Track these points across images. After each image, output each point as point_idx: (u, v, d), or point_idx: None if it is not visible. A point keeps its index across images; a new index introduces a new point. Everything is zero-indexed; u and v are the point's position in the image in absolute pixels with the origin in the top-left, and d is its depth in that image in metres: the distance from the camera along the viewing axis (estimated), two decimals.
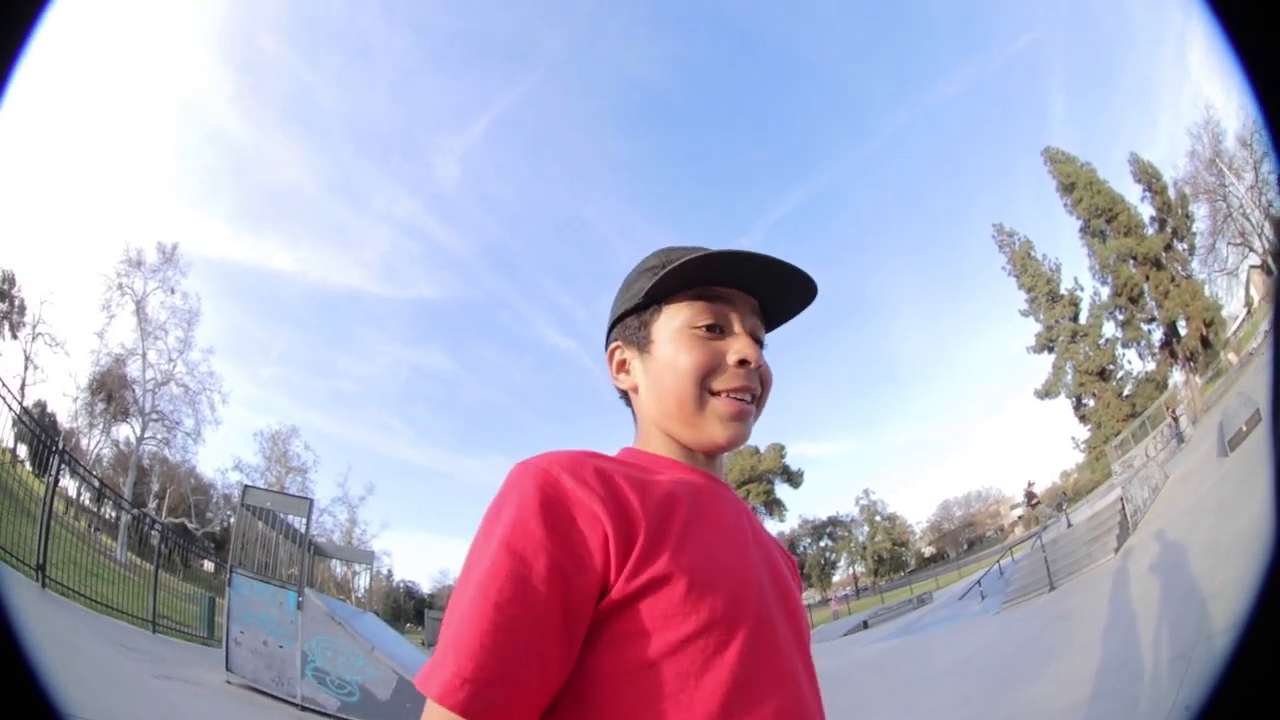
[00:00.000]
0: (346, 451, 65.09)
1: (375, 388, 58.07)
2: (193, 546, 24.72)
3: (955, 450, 64.90)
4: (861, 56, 61.61)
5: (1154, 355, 31.26)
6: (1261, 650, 0.51)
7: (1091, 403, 32.60)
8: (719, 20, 60.32)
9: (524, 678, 0.57)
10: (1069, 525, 16.72)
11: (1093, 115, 45.79)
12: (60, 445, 9.70)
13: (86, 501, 20.83)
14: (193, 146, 50.58)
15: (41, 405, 26.71)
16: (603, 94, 63.27)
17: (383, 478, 63.03)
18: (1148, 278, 30.44)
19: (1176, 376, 28.96)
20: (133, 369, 26.93)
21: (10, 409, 10.72)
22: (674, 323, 0.80)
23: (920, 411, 62.45)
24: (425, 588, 46.48)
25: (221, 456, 45.94)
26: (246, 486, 11.83)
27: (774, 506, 46.17)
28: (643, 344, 0.82)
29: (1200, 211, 28.19)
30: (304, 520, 9.86)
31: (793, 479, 46.89)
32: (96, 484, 16.77)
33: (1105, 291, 32.39)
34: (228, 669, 7.83)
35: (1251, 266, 25.74)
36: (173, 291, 27.65)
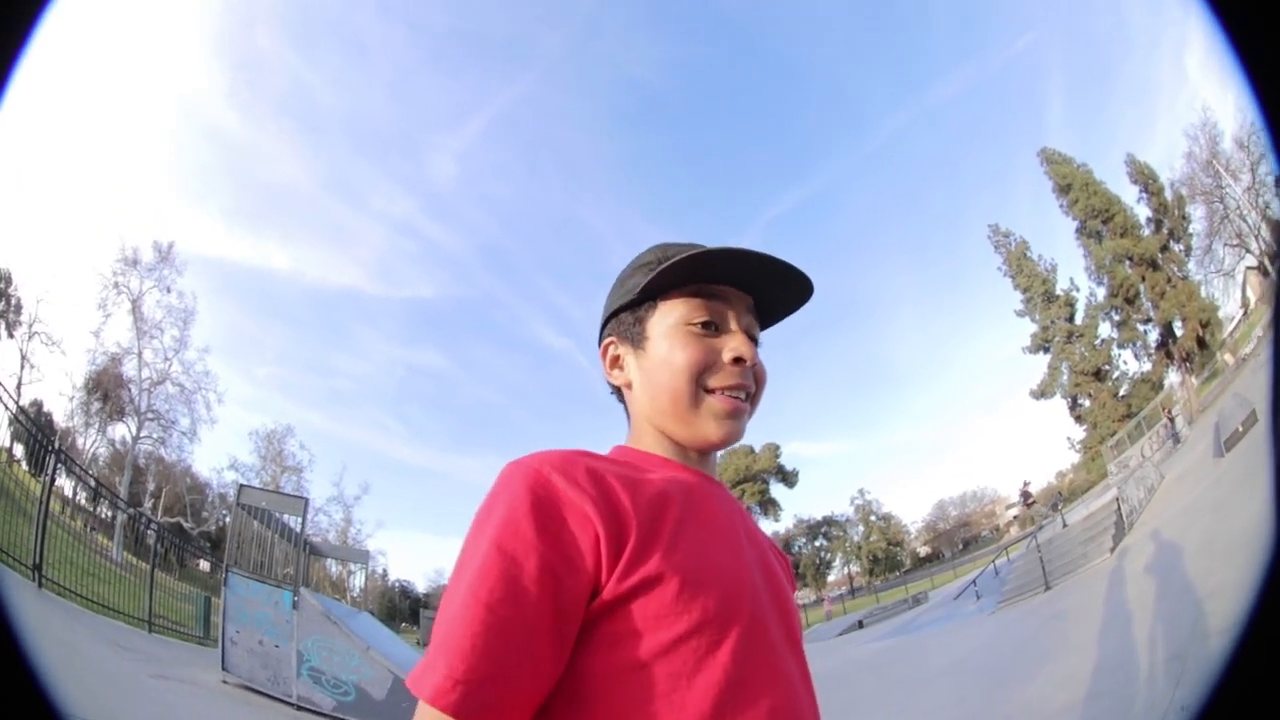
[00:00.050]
0: (342, 451, 65.22)
1: (371, 387, 58.20)
2: (188, 546, 24.64)
3: (951, 450, 65.43)
4: (860, 57, 61.86)
5: (1150, 356, 31.37)
6: (1261, 650, 0.51)
7: (1087, 403, 32.69)
8: (717, 20, 60.49)
9: (515, 678, 0.56)
10: (1064, 525, 16.75)
11: (1090, 117, 45.98)
12: (57, 444, 9.65)
13: (82, 501, 20.82)
14: (189, 144, 50.44)
15: (38, 404, 26.65)
16: (600, 93, 63.43)
17: (378, 477, 63.39)
18: (1144, 278, 30.53)
19: (1172, 377, 29.03)
20: (129, 368, 26.86)
21: (7, 408, 10.70)
22: (669, 319, 0.79)
23: (916, 411, 62.84)
24: (420, 587, 46.39)
25: (217, 456, 45.96)
26: (242, 486, 11.83)
27: (769, 506, 46.26)
28: (637, 340, 0.82)
29: (1197, 213, 28.33)
30: (299, 520, 9.86)
31: (788, 479, 47.00)
32: (92, 483, 16.76)
33: (1101, 292, 32.55)
34: (223, 669, 7.81)
35: (1248, 268, 25.81)
36: (169, 290, 27.58)
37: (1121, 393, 31.48)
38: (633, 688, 0.60)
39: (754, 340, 0.82)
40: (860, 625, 22.96)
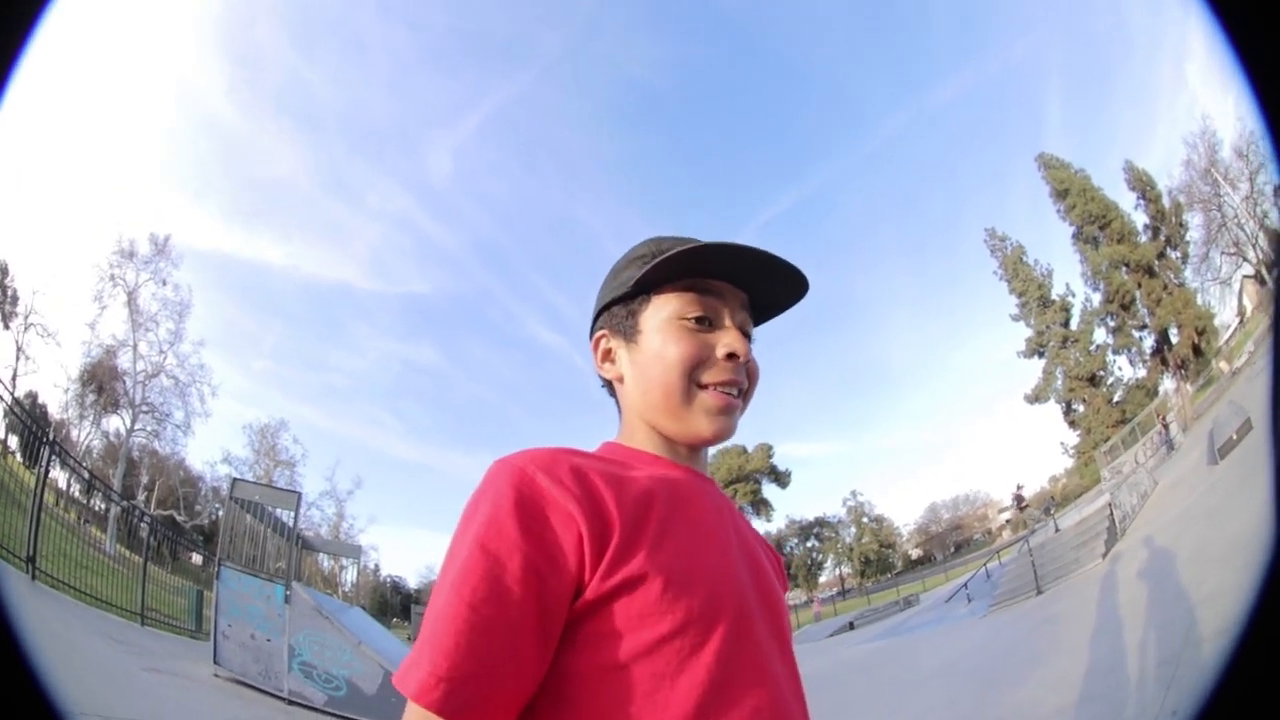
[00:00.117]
0: (335, 445, 64.97)
1: (365, 382, 58.01)
2: (181, 539, 24.63)
3: (944, 453, 65.65)
4: (859, 59, 61.97)
5: (1145, 362, 31.51)
6: (1257, 656, 0.51)
7: (1081, 408, 32.82)
8: (717, 20, 60.50)
9: (499, 677, 0.57)
10: (1057, 530, 16.76)
11: (1088, 122, 46.20)
12: (51, 436, 9.62)
13: (76, 493, 20.74)
14: (186, 138, 50.36)
15: (33, 396, 26.57)
16: (599, 92, 63.45)
17: (371, 472, 63.40)
18: (1140, 285, 30.65)
19: (1167, 384, 29.18)
20: (123, 360, 26.88)
21: (2, 400, 10.67)
22: (662, 313, 0.79)
23: (910, 414, 62.94)
24: (412, 583, 46.54)
25: (211, 449, 45.91)
26: (235, 480, 11.75)
27: (761, 506, 46.33)
28: (630, 334, 0.81)
29: (1194, 220, 28.46)
30: (292, 514, 9.82)
31: (780, 479, 47.07)
32: (86, 476, 16.69)
33: (1097, 298, 32.70)
34: (215, 662, 7.79)
35: (1245, 276, 25.92)
36: (164, 283, 27.66)
37: (1116, 398, 31.61)
38: (616, 687, 0.60)
39: (748, 337, 0.82)
40: (851, 626, 23.00)
